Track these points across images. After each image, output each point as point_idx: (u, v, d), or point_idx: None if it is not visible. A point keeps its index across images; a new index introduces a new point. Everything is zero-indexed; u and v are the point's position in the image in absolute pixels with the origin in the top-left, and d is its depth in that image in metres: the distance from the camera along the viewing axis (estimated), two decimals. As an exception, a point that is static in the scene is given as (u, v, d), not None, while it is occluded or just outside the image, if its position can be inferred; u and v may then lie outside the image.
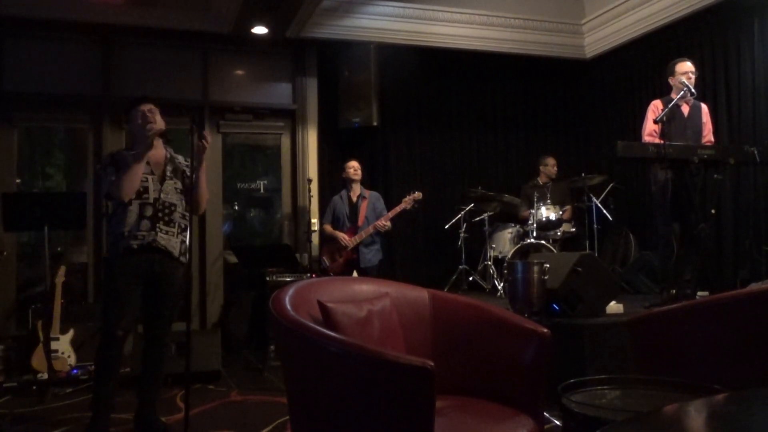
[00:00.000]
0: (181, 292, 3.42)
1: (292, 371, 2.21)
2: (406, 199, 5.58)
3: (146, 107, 3.34)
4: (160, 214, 3.26)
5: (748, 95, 5.52)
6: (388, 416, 1.84)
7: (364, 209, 5.60)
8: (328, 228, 5.62)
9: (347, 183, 5.70)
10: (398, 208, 5.54)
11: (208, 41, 6.20)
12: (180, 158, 3.47)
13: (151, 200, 3.26)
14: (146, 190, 3.26)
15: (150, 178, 3.28)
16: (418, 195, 5.61)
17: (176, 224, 3.33)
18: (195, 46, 6.24)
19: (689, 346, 2.44)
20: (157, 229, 3.24)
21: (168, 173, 3.35)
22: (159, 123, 3.35)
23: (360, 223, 5.53)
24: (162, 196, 3.29)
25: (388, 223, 5.50)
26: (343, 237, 5.47)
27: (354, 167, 5.66)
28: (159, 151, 3.38)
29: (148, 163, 3.30)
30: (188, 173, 3.36)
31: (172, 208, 3.32)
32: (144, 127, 3.28)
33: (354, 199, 5.64)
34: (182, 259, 3.37)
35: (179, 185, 3.39)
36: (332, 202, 5.72)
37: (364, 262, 5.49)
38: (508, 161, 7.38)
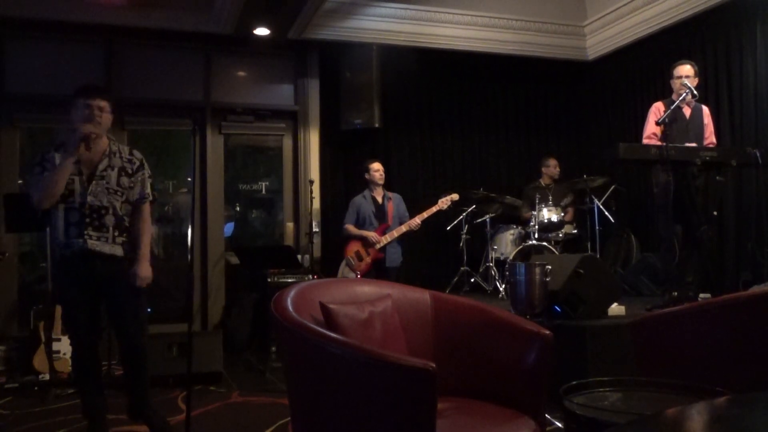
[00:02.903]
0: (141, 291, 3.13)
1: (293, 372, 2.21)
2: (443, 199, 5.59)
3: (97, 103, 3.01)
4: (87, 219, 2.97)
5: (750, 97, 5.52)
6: (389, 418, 1.84)
7: (391, 209, 5.62)
8: (353, 228, 5.56)
9: (371, 185, 5.67)
10: (434, 209, 5.55)
11: (210, 42, 6.20)
12: (125, 151, 3.15)
13: (77, 204, 2.97)
14: (72, 193, 2.96)
15: (76, 179, 2.98)
16: (455, 196, 5.62)
17: (110, 227, 3.03)
18: (197, 48, 6.24)
19: (691, 348, 2.43)
20: (86, 236, 2.96)
21: (99, 171, 3.03)
22: (105, 123, 3.04)
23: (389, 222, 5.55)
24: (90, 199, 2.98)
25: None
26: (374, 236, 5.45)
27: (380, 171, 5.65)
28: (95, 148, 3.05)
29: (77, 162, 2.99)
30: (128, 171, 3.12)
31: (103, 211, 3.02)
32: (82, 125, 2.95)
33: (380, 200, 5.65)
34: (131, 257, 3.12)
35: (113, 184, 3.06)
36: (355, 203, 5.67)
37: (390, 261, 5.51)
38: (510, 163, 7.37)
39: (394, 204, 5.67)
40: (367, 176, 5.70)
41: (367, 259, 5.45)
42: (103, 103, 3.05)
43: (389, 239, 5.46)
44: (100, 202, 3.02)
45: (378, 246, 5.44)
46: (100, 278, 3.05)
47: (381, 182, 5.66)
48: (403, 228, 5.49)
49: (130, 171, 3.16)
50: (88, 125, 2.98)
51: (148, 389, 3.24)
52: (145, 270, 3.09)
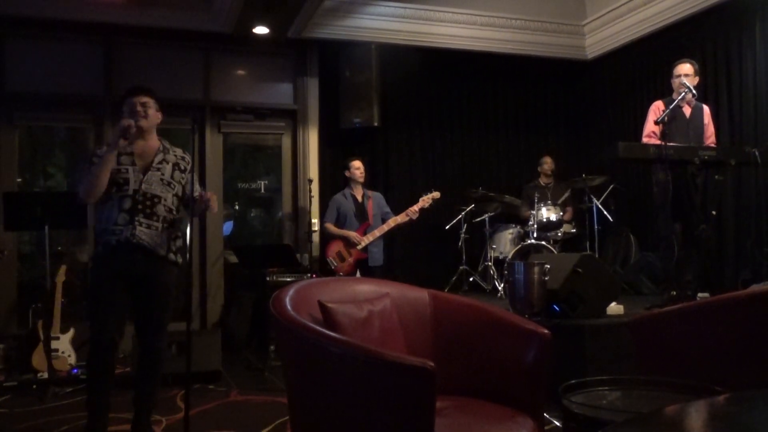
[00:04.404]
0: (171, 294, 3.18)
1: (292, 371, 2.21)
2: (424, 198, 5.50)
3: (140, 99, 3.12)
4: (140, 206, 3.04)
5: (749, 96, 5.52)
6: (388, 417, 1.84)
7: (371, 208, 5.56)
8: (333, 227, 5.49)
9: (351, 182, 5.62)
10: (416, 207, 5.46)
11: (209, 41, 6.20)
12: (178, 151, 3.27)
13: (131, 192, 3.04)
14: (126, 181, 3.05)
15: (131, 169, 3.07)
16: (436, 194, 5.55)
17: (160, 218, 3.10)
18: (196, 46, 6.24)
19: (690, 347, 2.44)
20: (136, 222, 3.02)
21: (155, 164, 3.13)
22: (151, 117, 3.15)
23: (371, 222, 5.50)
24: (144, 187, 3.06)
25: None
26: (356, 236, 5.39)
27: (361, 169, 5.59)
28: (149, 142, 3.18)
29: (131, 153, 3.10)
30: (181, 168, 3.22)
31: (156, 200, 3.09)
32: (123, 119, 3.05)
33: (360, 198, 5.59)
34: (172, 257, 3.16)
35: (167, 176, 3.17)
36: (335, 201, 5.60)
37: (373, 261, 5.44)
38: (509, 162, 7.37)
39: (374, 202, 5.61)
40: (347, 174, 5.64)
41: (350, 260, 5.38)
42: (145, 99, 3.15)
43: (371, 239, 5.39)
44: (154, 191, 3.09)
45: (360, 246, 5.39)
46: (138, 274, 3.08)
47: (361, 180, 5.60)
48: (399, 219, 5.42)
49: (183, 167, 3.25)
50: (127, 119, 3.06)
51: (157, 392, 3.24)
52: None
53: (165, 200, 3.13)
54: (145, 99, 3.14)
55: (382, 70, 6.54)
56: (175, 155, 3.26)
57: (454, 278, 6.28)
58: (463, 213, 6.32)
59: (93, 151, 3.19)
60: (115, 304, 3.06)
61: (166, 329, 3.22)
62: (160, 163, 3.16)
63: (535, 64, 7.13)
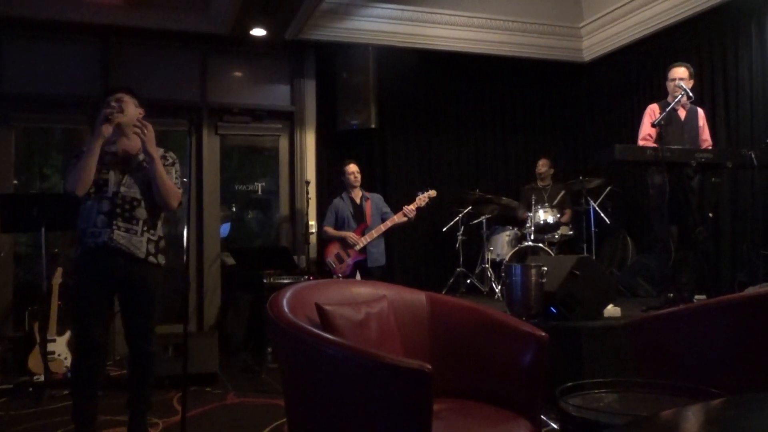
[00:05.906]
0: (155, 297, 3.12)
1: (289, 374, 2.21)
2: (421, 196, 5.51)
3: (114, 96, 3.11)
4: (118, 210, 2.99)
5: (745, 98, 5.54)
6: (385, 419, 1.84)
7: (369, 209, 5.58)
8: (331, 230, 5.53)
9: (347, 186, 5.64)
10: (413, 206, 5.47)
11: (206, 43, 6.20)
12: (160, 151, 3.17)
13: (110, 194, 3.00)
14: (106, 183, 3.00)
15: (111, 171, 3.04)
16: (432, 192, 5.56)
17: (140, 221, 3.04)
18: (193, 48, 6.24)
19: (687, 349, 2.44)
20: (114, 226, 2.96)
21: (135, 165, 3.09)
22: (129, 114, 3.09)
23: (368, 223, 5.51)
24: (122, 189, 3.02)
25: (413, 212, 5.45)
26: (353, 236, 5.41)
27: (355, 173, 5.60)
28: (132, 142, 3.12)
29: (115, 153, 3.08)
30: (163, 165, 3.14)
31: (135, 203, 3.04)
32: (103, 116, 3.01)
33: (357, 200, 5.61)
34: (152, 259, 3.08)
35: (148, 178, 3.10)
36: (333, 205, 5.64)
37: (372, 261, 5.46)
38: (507, 164, 7.39)
39: (373, 203, 5.63)
40: (342, 178, 5.67)
41: (348, 261, 5.40)
42: (120, 95, 3.14)
43: (369, 239, 5.41)
44: (133, 194, 3.05)
45: (358, 247, 5.40)
46: (119, 278, 3.04)
47: (357, 184, 5.61)
48: (396, 218, 5.44)
49: (164, 165, 3.17)
50: (109, 111, 3.06)
51: (151, 394, 3.22)
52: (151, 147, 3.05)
53: (144, 203, 3.08)
54: (119, 95, 3.13)
55: (379, 72, 6.54)
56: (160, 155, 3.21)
57: (451, 280, 6.27)
58: (460, 215, 6.32)
59: (79, 148, 3.14)
60: (96, 306, 3.02)
61: (154, 332, 3.18)
62: (140, 163, 3.11)
63: (532, 66, 7.14)
